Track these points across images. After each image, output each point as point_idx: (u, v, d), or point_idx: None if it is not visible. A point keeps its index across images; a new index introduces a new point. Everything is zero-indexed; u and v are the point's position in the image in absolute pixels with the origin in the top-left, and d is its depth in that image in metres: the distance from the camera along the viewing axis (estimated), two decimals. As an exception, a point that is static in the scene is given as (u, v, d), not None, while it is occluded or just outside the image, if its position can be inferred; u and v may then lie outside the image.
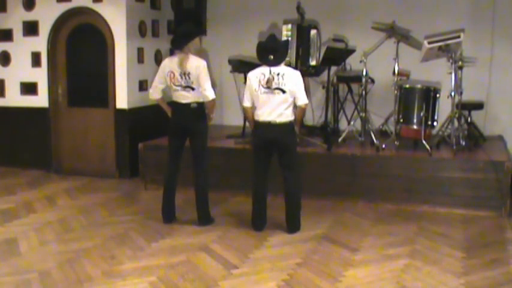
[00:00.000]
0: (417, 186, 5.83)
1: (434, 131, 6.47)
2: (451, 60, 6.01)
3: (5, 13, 7.73)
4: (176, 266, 4.29)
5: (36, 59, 7.60)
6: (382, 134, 6.91)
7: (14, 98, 7.82)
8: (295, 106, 4.99)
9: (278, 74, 4.87)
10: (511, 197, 5.53)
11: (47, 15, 7.46)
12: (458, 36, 5.99)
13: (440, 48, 6.00)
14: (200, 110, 5.17)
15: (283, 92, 4.86)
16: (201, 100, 5.14)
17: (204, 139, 5.28)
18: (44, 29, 7.50)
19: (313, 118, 7.44)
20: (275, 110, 4.88)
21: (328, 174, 6.14)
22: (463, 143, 6.08)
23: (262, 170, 5.09)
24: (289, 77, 4.88)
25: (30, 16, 7.58)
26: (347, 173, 6.08)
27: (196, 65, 5.05)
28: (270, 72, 4.87)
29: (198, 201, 5.31)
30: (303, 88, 4.95)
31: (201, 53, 5.22)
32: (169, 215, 5.41)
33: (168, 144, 5.37)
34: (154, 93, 5.32)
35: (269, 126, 4.91)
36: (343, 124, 7.15)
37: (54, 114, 7.63)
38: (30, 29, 7.58)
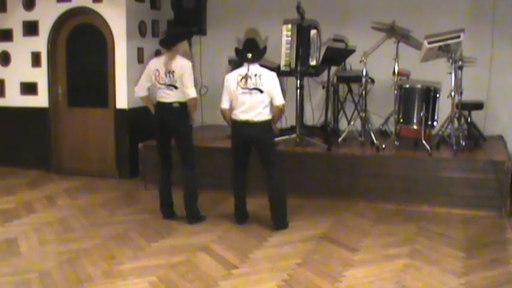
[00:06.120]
0: (417, 186, 5.82)
1: (434, 131, 6.46)
2: (451, 60, 6.00)
3: (5, 13, 7.73)
4: (176, 266, 4.29)
5: (36, 59, 7.60)
6: (382, 134, 6.91)
7: (14, 98, 7.82)
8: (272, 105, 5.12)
9: (255, 75, 5.01)
10: (511, 197, 5.53)
11: (47, 15, 7.46)
12: (458, 36, 5.98)
13: (440, 48, 6.00)
14: (182, 110, 5.24)
15: (261, 92, 4.99)
16: (182, 100, 5.21)
17: (189, 138, 5.36)
18: (44, 29, 7.50)
19: (313, 118, 7.44)
20: (253, 109, 5.00)
21: (328, 174, 6.14)
22: (463, 143, 6.07)
23: (241, 168, 5.23)
24: (266, 78, 5.02)
25: (30, 16, 7.58)
26: (347, 173, 6.08)
27: (181, 64, 5.16)
28: (248, 70, 5.00)
29: (185, 199, 5.37)
30: (279, 89, 5.09)
31: (189, 57, 5.33)
32: (166, 211, 5.52)
33: (156, 143, 5.49)
34: (140, 91, 5.42)
35: (247, 124, 5.03)
36: (343, 124, 7.14)
37: (54, 114, 7.63)
38: (30, 29, 7.58)
